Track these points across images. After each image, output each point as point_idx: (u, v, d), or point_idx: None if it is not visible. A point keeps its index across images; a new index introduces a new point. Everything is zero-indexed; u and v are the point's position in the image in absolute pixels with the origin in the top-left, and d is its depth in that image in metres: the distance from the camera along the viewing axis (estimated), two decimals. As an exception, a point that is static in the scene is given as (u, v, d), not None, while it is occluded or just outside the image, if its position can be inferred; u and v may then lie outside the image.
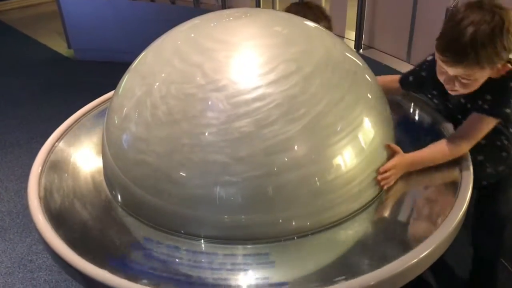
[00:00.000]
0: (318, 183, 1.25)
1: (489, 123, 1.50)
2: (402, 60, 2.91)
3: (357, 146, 1.31)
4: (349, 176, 1.29)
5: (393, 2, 2.94)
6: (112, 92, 1.80)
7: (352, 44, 3.08)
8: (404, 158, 1.43)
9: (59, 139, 1.69)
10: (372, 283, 1.10)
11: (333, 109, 1.29)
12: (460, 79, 1.46)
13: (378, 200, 1.39)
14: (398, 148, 1.44)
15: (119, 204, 1.43)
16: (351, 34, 3.19)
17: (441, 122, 1.67)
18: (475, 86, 1.48)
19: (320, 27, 1.56)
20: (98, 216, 1.41)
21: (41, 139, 3.36)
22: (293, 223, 1.26)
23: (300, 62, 1.30)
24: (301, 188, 1.24)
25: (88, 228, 1.36)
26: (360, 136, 1.33)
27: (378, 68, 1.87)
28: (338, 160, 1.28)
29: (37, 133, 3.59)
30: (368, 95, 1.42)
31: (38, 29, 5.58)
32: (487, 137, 1.53)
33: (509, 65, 1.46)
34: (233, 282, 1.19)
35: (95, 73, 4.33)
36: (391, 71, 2.81)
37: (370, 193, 1.37)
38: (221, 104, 1.23)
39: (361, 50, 3.07)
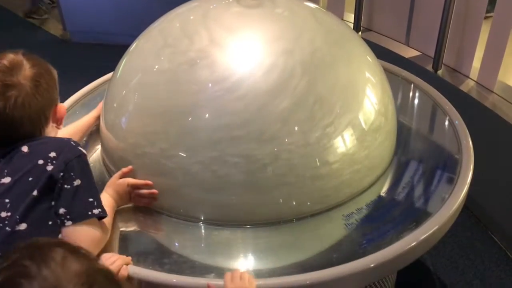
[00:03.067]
0: (318, 164, 1.25)
1: None
2: (401, 42, 2.88)
3: (358, 128, 1.31)
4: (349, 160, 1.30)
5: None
6: (109, 75, 1.79)
7: (350, 26, 3.05)
8: None
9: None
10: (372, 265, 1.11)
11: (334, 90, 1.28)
12: None
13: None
14: None
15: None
16: (350, 17, 3.16)
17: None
18: None
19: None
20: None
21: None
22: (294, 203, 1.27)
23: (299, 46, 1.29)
24: (300, 169, 1.24)
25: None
26: (361, 118, 1.33)
27: (377, 51, 1.84)
28: (338, 143, 1.28)
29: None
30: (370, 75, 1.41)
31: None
32: None
33: None
34: (233, 265, 1.20)
35: (91, 55, 4.29)
36: (390, 53, 2.79)
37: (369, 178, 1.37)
38: (217, 86, 1.23)
39: (359, 33, 3.05)
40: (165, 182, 1.29)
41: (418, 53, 2.78)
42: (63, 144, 1.11)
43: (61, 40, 4.82)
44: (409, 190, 1.38)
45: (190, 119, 1.25)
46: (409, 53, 2.79)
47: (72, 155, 1.09)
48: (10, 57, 1.14)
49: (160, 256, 1.21)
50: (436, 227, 1.22)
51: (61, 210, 1.05)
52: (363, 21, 3.09)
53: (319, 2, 3.37)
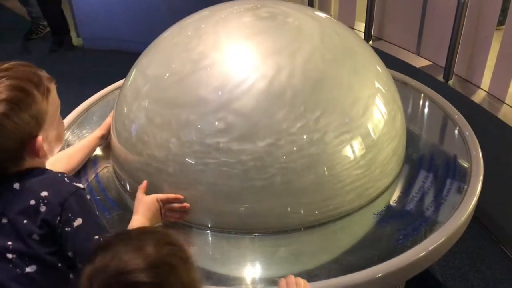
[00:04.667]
0: (326, 173, 1.25)
1: None
2: (412, 52, 2.87)
3: (365, 138, 1.31)
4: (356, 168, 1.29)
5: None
6: (120, 82, 1.81)
7: (361, 36, 3.05)
8: None
9: (67, 128, 1.69)
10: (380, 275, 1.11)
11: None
12: None
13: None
14: None
15: (127, 193, 1.44)
16: (360, 26, 3.16)
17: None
18: None
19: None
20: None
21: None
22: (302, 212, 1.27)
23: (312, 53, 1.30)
24: (308, 178, 1.24)
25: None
26: (370, 127, 1.33)
27: (387, 60, 1.83)
28: (346, 151, 1.28)
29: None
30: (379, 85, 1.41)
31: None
32: None
33: None
34: (241, 274, 1.20)
35: (103, 62, 4.33)
36: (400, 63, 2.78)
37: (377, 186, 1.37)
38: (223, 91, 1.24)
39: (370, 42, 3.04)
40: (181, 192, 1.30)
41: (429, 63, 2.77)
42: (56, 182, 1.03)
43: (73, 47, 4.89)
44: (417, 200, 1.38)
45: (199, 126, 1.26)
46: (420, 62, 2.78)
47: (66, 193, 1.00)
48: None
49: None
50: (444, 238, 1.21)
51: (70, 254, 1.00)
52: (374, 30, 3.09)
53: (330, 10, 3.38)
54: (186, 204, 1.28)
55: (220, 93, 1.25)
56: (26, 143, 1.01)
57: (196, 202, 1.28)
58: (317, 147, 1.24)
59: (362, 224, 1.32)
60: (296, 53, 1.30)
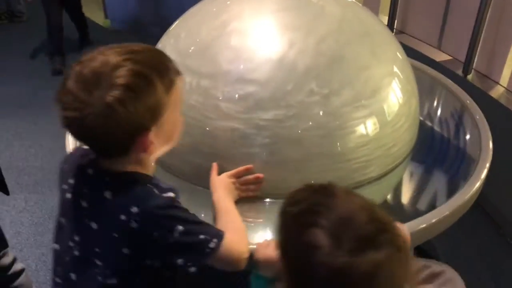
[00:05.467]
0: (339, 147, 1.31)
1: None
2: (433, 46, 2.90)
3: (381, 114, 1.37)
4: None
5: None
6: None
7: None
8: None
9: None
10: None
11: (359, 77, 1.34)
12: None
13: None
14: None
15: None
16: (384, 19, 3.19)
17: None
18: None
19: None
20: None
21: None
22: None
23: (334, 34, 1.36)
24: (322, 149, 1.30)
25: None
26: (385, 106, 1.38)
27: (409, 53, 1.87)
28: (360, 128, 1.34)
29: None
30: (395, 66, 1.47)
31: None
32: None
33: None
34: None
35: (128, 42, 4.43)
36: (422, 56, 2.81)
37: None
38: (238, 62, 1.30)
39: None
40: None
41: (450, 58, 2.80)
42: (145, 196, 0.95)
43: (101, 27, 5.02)
44: (427, 175, 1.44)
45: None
46: (440, 56, 2.81)
47: (157, 209, 0.94)
48: (100, 61, 0.90)
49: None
50: (449, 211, 1.27)
51: (179, 261, 0.97)
52: (396, 24, 3.12)
53: (354, 3, 3.41)
54: (259, 174, 1.26)
55: (235, 63, 1.31)
56: (136, 136, 0.92)
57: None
58: (328, 120, 1.30)
59: (374, 195, 1.38)
60: (311, 32, 1.36)
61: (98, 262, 0.97)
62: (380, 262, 0.70)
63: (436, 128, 1.74)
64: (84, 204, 0.99)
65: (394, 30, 3.10)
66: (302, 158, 1.29)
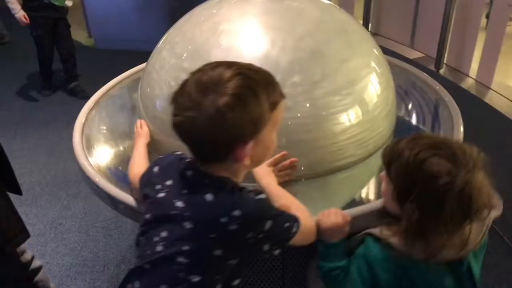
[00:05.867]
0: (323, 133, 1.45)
1: None
2: (406, 45, 3.09)
3: (361, 103, 1.51)
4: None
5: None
6: (140, 66, 2.03)
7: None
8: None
9: (96, 103, 1.89)
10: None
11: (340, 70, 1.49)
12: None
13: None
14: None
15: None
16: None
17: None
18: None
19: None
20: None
21: (65, 118, 3.63)
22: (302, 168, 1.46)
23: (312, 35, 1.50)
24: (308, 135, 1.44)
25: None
26: (364, 95, 1.53)
27: (384, 53, 2.06)
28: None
29: (61, 114, 3.83)
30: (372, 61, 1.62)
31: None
32: None
33: None
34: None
35: (115, 61, 4.52)
36: (396, 55, 2.98)
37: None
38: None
39: (367, 37, 3.27)
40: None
41: (422, 55, 2.99)
42: (246, 200, 1.03)
43: (85, 47, 5.11)
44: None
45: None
46: (413, 54, 3.00)
47: (257, 212, 1.02)
48: (216, 75, 0.98)
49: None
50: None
51: (265, 247, 1.05)
52: (371, 27, 3.31)
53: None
54: (294, 159, 1.37)
55: (220, 56, 1.43)
56: (236, 145, 0.99)
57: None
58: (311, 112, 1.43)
59: (356, 178, 1.51)
60: (291, 31, 1.50)
61: (183, 260, 1.01)
62: (483, 177, 1.04)
63: (413, 116, 1.89)
64: (180, 204, 1.03)
65: (369, 32, 3.28)
66: (288, 145, 1.41)
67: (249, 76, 0.99)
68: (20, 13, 3.72)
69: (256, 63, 1.37)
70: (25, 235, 1.60)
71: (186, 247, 1.01)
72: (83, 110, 1.83)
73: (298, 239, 1.13)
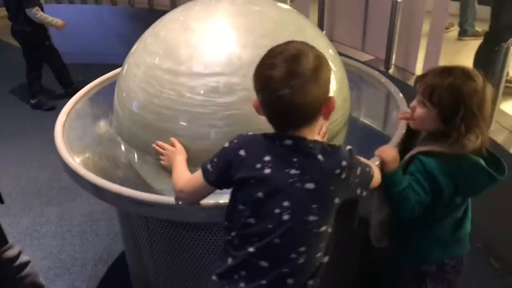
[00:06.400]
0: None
1: (198, 179, 1.31)
2: (357, 49, 3.35)
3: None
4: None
5: (348, 1, 3.39)
6: (114, 72, 2.16)
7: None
8: (175, 156, 1.52)
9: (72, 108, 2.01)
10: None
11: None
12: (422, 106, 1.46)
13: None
14: (179, 145, 1.55)
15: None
16: (314, 31, 3.63)
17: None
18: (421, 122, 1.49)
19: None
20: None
21: (34, 132, 3.68)
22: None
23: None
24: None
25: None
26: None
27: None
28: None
29: (31, 127, 3.87)
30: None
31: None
32: None
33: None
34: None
35: (81, 74, 4.56)
36: (349, 58, 3.23)
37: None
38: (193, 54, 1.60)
39: (323, 43, 3.51)
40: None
41: (372, 57, 3.25)
42: (345, 152, 1.20)
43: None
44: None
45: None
46: (365, 57, 3.25)
47: (354, 159, 1.22)
48: (296, 46, 1.14)
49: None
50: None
51: (358, 191, 1.26)
52: (325, 33, 3.55)
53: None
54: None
55: (188, 52, 1.59)
56: (325, 101, 1.14)
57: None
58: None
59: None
60: (252, 31, 1.67)
61: (313, 218, 1.15)
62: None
63: (365, 112, 2.10)
64: (294, 171, 1.14)
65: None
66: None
67: (315, 48, 1.18)
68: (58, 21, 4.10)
69: (220, 59, 1.57)
70: (3, 242, 1.69)
71: (314, 205, 1.15)
72: (64, 110, 1.94)
73: (374, 182, 1.34)
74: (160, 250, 1.75)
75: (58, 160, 1.68)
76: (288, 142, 1.16)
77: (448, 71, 1.42)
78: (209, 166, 1.24)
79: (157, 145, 1.59)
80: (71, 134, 1.85)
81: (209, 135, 1.58)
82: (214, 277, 1.26)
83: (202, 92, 1.57)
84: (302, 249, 1.17)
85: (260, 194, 1.15)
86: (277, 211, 1.14)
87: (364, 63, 3.08)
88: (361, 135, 2.04)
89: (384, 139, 1.78)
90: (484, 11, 4.35)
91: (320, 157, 1.15)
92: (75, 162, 1.65)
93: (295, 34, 1.77)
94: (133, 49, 1.83)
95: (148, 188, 1.72)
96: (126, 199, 1.49)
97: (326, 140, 1.62)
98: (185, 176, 1.39)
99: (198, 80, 1.57)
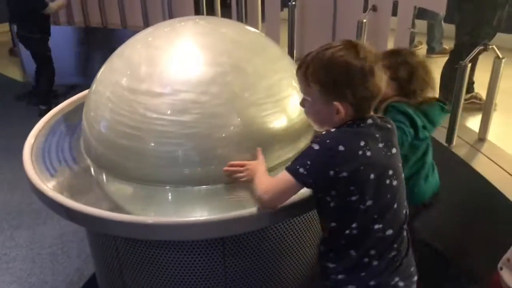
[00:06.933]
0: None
1: (286, 182, 1.32)
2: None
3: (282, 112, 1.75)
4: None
5: (318, 21, 3.49)
6: (82, 93, 2.18)
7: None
8: (258, 167, 1.50)
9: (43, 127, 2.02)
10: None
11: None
12: (304, 100, 1.39)
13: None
14: (261, 157, 1.56)
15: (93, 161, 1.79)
16: (285, 49, 3.71)
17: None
18: (314, 115, 1.39)
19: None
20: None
21: (3, 153, 3.62)
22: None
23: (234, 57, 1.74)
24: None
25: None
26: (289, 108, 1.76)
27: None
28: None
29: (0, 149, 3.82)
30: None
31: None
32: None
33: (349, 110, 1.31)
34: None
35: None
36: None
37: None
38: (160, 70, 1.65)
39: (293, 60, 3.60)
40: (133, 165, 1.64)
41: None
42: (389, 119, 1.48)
43: (22, 83, 5.13)
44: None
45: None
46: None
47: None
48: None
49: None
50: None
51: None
52: (296, 53, 3.65)
53: (258, 39, 3.91)
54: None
55: (155, 70, 1.64)
56: None
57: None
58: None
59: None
60: (212, 48, 1.72)
61: (403, 174, 1.41)
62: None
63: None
64: (381, 144, 1.33)
65: (295, 57, 3.62)
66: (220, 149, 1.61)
67: None
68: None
69: (180, 77, 1.60)
70: None
71: (400, 164, 1.40)
72: (32, 132, 1.95)
73: None
74: (129, 270, 1.75)
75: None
76: (370, 121, 1.34)
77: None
78: (302, 170, 1.28)
79: (231, 165, 1.57)
80: (40, 155, 1.86)
81: (176, 153, 1.60)
82: (340, 276, 1.38)
83: (166, 111, 1.60)
84: (405, 203, 1.41)
85: (372, 175, 1.30)
86: (388, 181, 1.33)
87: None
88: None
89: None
90: (451, 29, 4.55)
91: (389, 126, 1.40)
92: (43, 183, 1.64)
93: (257, 53, 1.83)
94: (101, 69, 1.86)
95: (117, 208, 1.73)
96: (93, 218, 1.50)
97: None
98: (269, 180, 1.42)
99: (160, 98, 1.61)
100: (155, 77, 1.65)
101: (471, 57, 2.27)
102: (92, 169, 1.80)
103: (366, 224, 1.33)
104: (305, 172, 1.28)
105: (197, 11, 4.22)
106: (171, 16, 4.36)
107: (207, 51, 1.71)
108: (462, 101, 2.34)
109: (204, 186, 1.63)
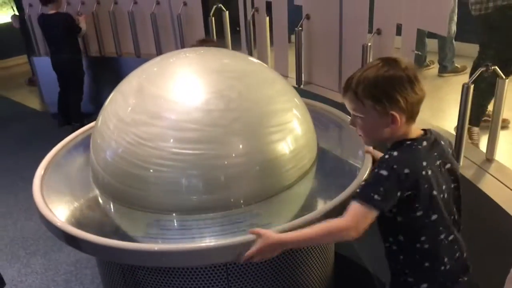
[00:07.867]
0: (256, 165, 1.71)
1: (360, 211, 1.33)
2: (334, 91, 3.47)
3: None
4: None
5: (324, 46, 3.53)
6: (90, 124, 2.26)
7: (294, 81, 3.65)
8: (268, 241, 1.38)
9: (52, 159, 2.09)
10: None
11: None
12: (356, 118, 1.44)
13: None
14: (262, 231, 1.41)
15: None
16: (293, 74, 3.76)
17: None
18: (368, 131, 1.44)
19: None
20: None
21: (21, 183, 3.73)
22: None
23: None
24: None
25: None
26: (290, 134, 1.81)
27: (316, 99, 2.40)
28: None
29: (16, 178, 3.92)
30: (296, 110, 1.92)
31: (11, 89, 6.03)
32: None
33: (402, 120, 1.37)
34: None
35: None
36: (327, 100, 3.35)
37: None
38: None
39: (302, 85, 3.63)
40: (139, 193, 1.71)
41: (348, 98, 3.36)
42: None
43: (40, 112, 5.29)
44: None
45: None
46: (341, 97, 3.36)
47: None
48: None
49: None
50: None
51: None
52: (304, 76, 3.69)
53: (268, 63, 3.98)
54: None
55: (158, 101, 1.72)
56: None
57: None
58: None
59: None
60: (215, 77, 1.79)
61: (450, 189, 1.48)
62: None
63: (336, 149, 2.19)
64: (437, 162, 1.42)
65: (303, 82, 3.66)
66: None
67: None
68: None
69: (185, 105, 1.67)
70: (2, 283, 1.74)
71: (452, 177, 1.48)
72: (41, 164, 2.02)
73: None
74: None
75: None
76: (424, 143, 1.41)
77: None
78: (376, 197, 1.33)
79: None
80: (51, 186, 1.92)
81: (180, 183, 1.66)
82: (423, 285, 1.46)
83: (172, 142, 1.66)
84: (455, 209, 1.50)
85: (434, 192, 1.39)
86: (442, 196, 1.42)
87: (339, 104, 3.21)
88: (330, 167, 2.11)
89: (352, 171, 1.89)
90: (463, 48, 4.56)
91: (442, 142, 1.47)
92: (52, 213, 1.70)
93: (262, 84, 1.89)
94: (108, 100, 1.94)
95: (124, 236, 1.77)
96: (100, 247, 1.54)
97: None
98: (333, 221, 1.37)
99: (162, 128, 1.68)
100: (157, 107, 1.71)
101: (473, 78, 2.28)
102: (99, 198, 1.86)
103: (433, 235, 1.43)
104: (380, 198, 1.33)
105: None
106: (182, 45, 4.48)
107: (209, 81, 1.78)
108: (467, 122, 2.35)
109: (210, 213, 1.68)
